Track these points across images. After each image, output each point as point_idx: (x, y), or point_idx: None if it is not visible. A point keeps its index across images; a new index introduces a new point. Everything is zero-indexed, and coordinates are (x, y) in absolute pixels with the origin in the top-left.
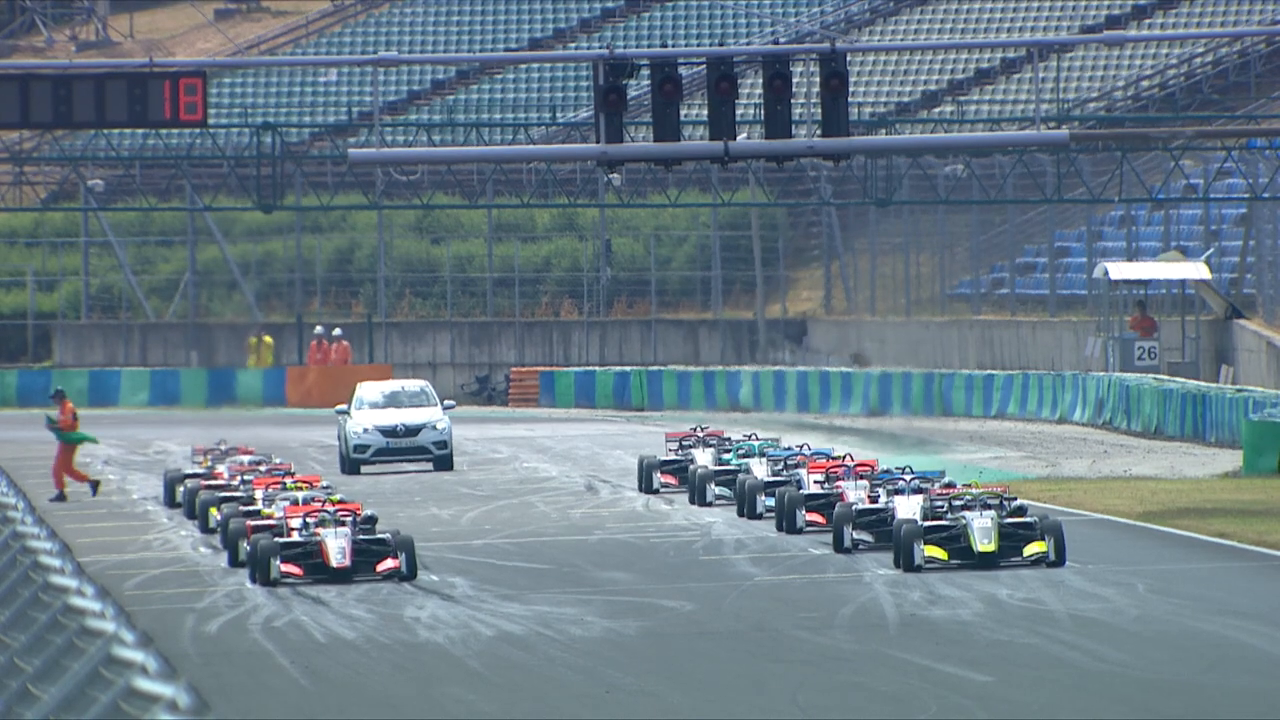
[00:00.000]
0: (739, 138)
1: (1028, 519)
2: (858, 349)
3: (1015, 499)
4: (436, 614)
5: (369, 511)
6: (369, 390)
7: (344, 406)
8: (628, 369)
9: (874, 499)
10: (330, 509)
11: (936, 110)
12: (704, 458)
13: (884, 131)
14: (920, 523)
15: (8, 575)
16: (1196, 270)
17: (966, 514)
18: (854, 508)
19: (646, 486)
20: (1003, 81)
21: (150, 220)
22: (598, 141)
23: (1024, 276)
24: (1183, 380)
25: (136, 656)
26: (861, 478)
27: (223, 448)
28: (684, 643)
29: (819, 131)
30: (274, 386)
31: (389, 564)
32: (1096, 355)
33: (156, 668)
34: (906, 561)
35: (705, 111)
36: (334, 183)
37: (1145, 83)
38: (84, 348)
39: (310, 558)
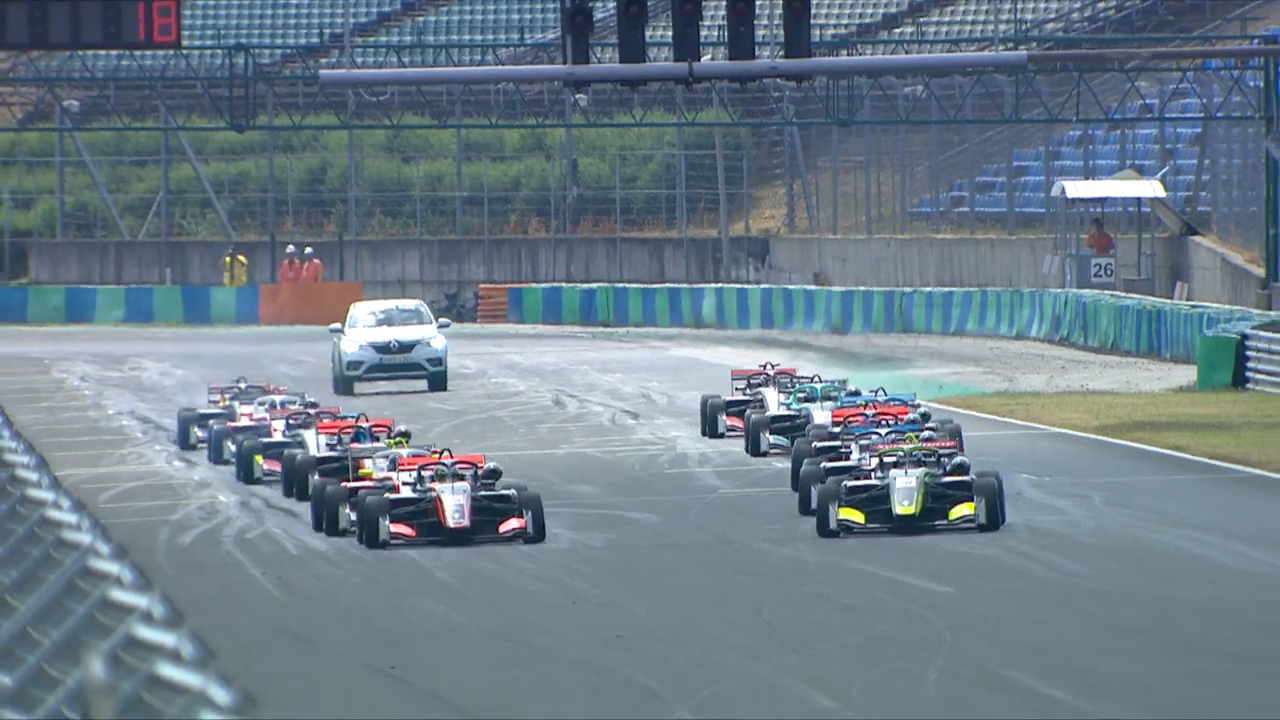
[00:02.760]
0: (703, 59)
1: (964, 478)
2: (819, 267)
3: (957, 455)
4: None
5: (491, 464)
6: (363, 309)
7: (338, 325)
8: (594, 286)
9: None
10: (448, 461)
11: (897, 31)
12: (773, 398)
13: (845, 53)
14: (842, 482)
15: None
16: (1152, 189)
17: (893, 471)
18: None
19: (711, 430)
20: (962, 3)
21: (125, 140)
22: (564, 63)
23: (983, 195)
24: (1138, 297)
25: (112, 568)
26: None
27: (242, 385)
28: (649, 555)
29: (781, 53)
30: (247, 304)
31: (513, 524)
32: (1054, 272)
33: (131, 579)
34: (821, 524)
35: (670, 33)
36: (305, 103)
37: (1102, 4)
38: (59, 265)
39: (424, 516)
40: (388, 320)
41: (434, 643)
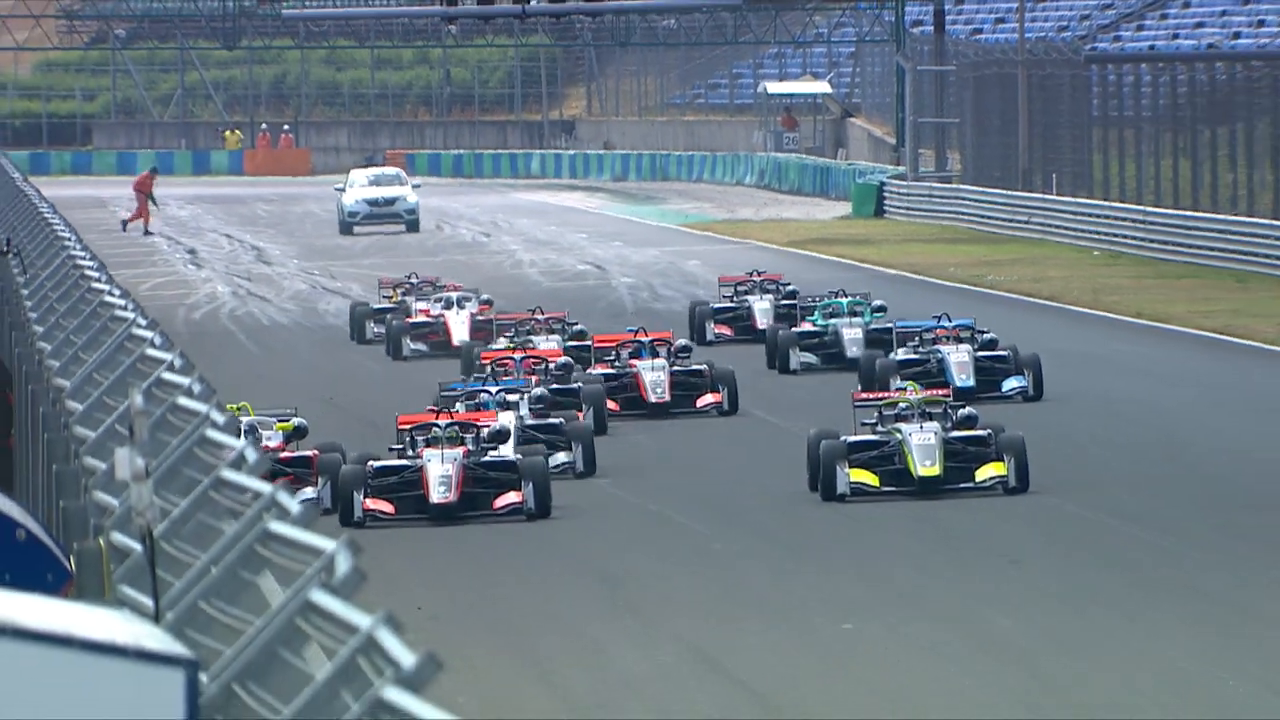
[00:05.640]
0: (531, 2)
1: (979, 431)
2: (608, 138)
3: (963, 406)
4: (342, 306)
5: (497, 425)
6: (359, 174)
7: (341, 185)
8: (462, 152)
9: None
10: (442, 422)
11: None
12: (762, 305)
13: None
14: (843, 439)
15: (63, 284)
16: (824, 87)
17: (903, 427)
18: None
19: (699, 337)
20: None
21: (155, 55)
22: (442, 4)
23: (713, 91)
24: (814, 158)
25: (147, 334)
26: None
27: (414, 280)
28: None
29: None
30: (235, 163)
31: (511, 498)
32: (759, 142)
33: (160, 342)
34: (826, 488)
35: None
36: (273, 30)
37: None
38: (113, 137)
39: (407, 489)
40: (376, 182)
41: (364, 381)
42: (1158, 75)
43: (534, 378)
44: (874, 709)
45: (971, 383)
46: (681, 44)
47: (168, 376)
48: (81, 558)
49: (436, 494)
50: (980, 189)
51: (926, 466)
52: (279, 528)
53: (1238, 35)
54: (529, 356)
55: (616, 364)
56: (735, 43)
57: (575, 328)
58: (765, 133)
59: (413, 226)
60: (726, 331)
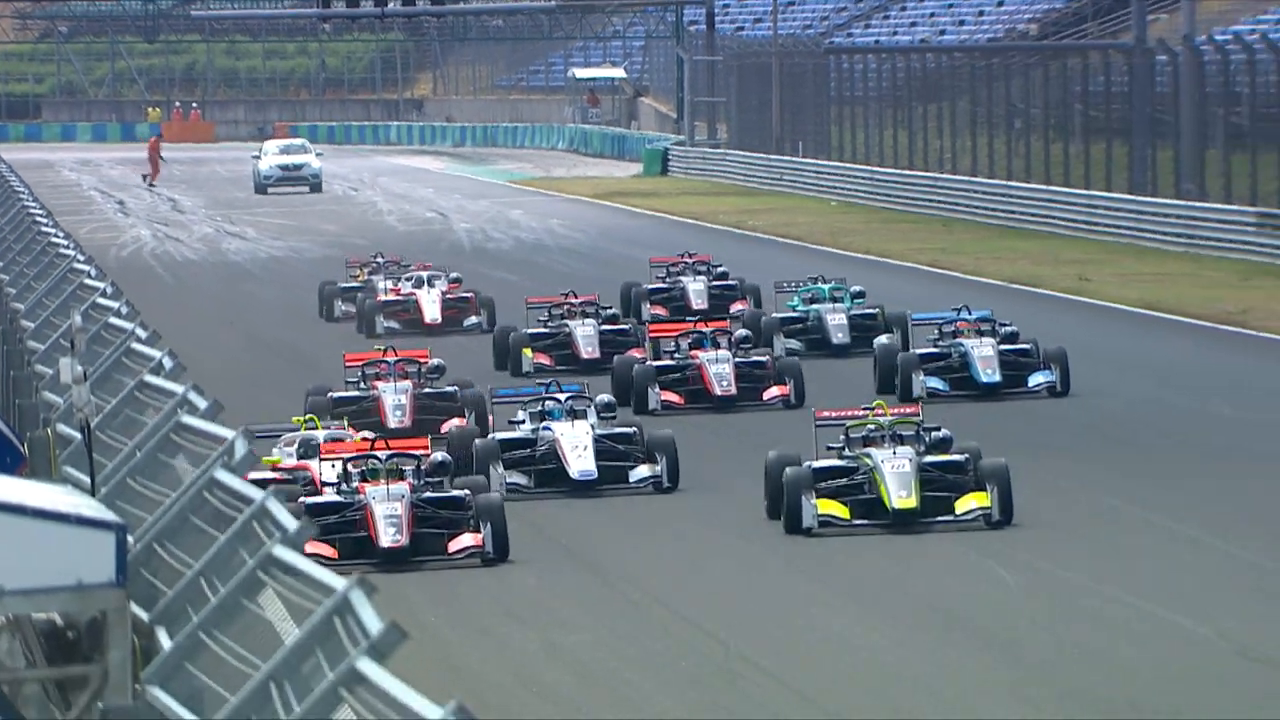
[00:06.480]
0: (390, 4)
1: (955, 456)
2: (450, 114)
3: (939, 428)
4: (240, 246)
5: (439, 455)
6: (271, 144)
7: (257, 152)
8: (334, 124)
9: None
10: (381, 453)
11: None
12: (696, 286)
13: (447, 1)
14: (807, 465)
15: (19, 228)
16: (620, 73)
17: (874, 452)
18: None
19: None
20: None
21: (91, 47)
22: (317, 7)
23: (533, 76)
24: (613, 128)
25: (86, 268)
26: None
27: (380, 259)
28: None
29: (429, 1)
30: (155, 133)
31: (466, 541)
32: (569, 116)
33: (95, 274)
34: (791, 520)
35: None
36: (185, 26)
37: None
38: (58, 113)
39: (349, 530)
40: (287, 150)
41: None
42: (882, 64)
43: (409, 380)
44: None
45: (998, 378)
46: (508, 39)
47: (101, 301)
48: (33, 445)
49: (386, 537)
50: (743, 153)
51: (902, 498)
52: (189, 420)
53: (943, 32)
54: (401, 360)
55: (677, 355)
56: (550, 38)
57: (608, 312)
58: (574, 109)
59: (316, 188)
60: (662, 311)
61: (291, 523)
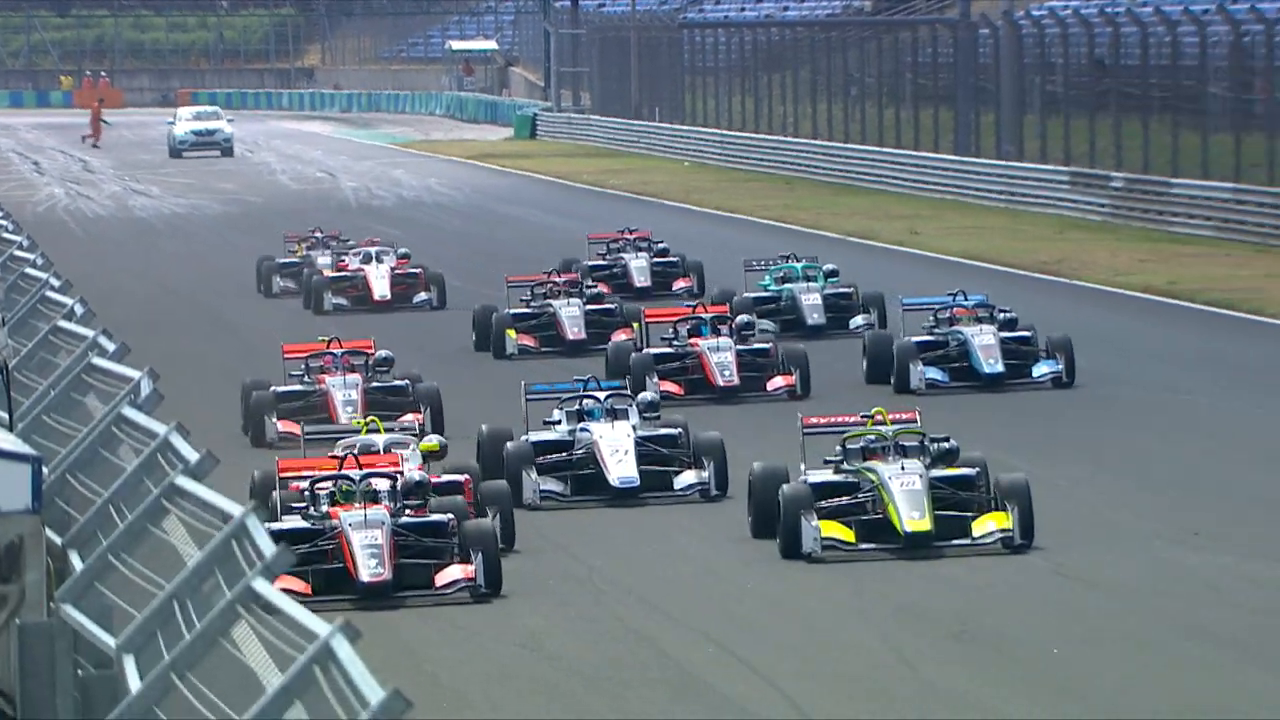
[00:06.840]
0: None
1: (966, 470)
2: (338, 82)
3: (946, 438)
4: (145, 203)
5: (417, 475)
6: (185, 111)
7: (171, 119)
8: (231, 91)
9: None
10: (355, 474)
11: None
12: (638, 263)
13: None
14: (804, 479)
15: None
16: (492, 45)
17: (879, 467)
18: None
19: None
20: None
21: (8, 20)
22: None
23: (413, 48)
24: (486, 95)
25: (4, 222)
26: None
27: (318, 235)
28: None
29: None
30: (68, 99)
31: (455, 574)
32: (446, 84)
33: (12, 228)
34: (789, 543)
35: None
36: (95, 2)
37: None
38: None
39: (324, 562)
40: (199, 117)
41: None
42: (731, 37)
43: (357, 374)
44: None
45: (1000, 368)
46: (390, 13)
47: (18, 254)
48: None
49: (366, 570)
50: (605, 118)
51: (914, 519)
52: (99, 361)
53: (787, 8)
54: (348, 352)
55: (675, 343)
56: (429, 13)
57: (592, 291)
58: (450, 78)
59: (228, 152)
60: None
61: (194, 455)
